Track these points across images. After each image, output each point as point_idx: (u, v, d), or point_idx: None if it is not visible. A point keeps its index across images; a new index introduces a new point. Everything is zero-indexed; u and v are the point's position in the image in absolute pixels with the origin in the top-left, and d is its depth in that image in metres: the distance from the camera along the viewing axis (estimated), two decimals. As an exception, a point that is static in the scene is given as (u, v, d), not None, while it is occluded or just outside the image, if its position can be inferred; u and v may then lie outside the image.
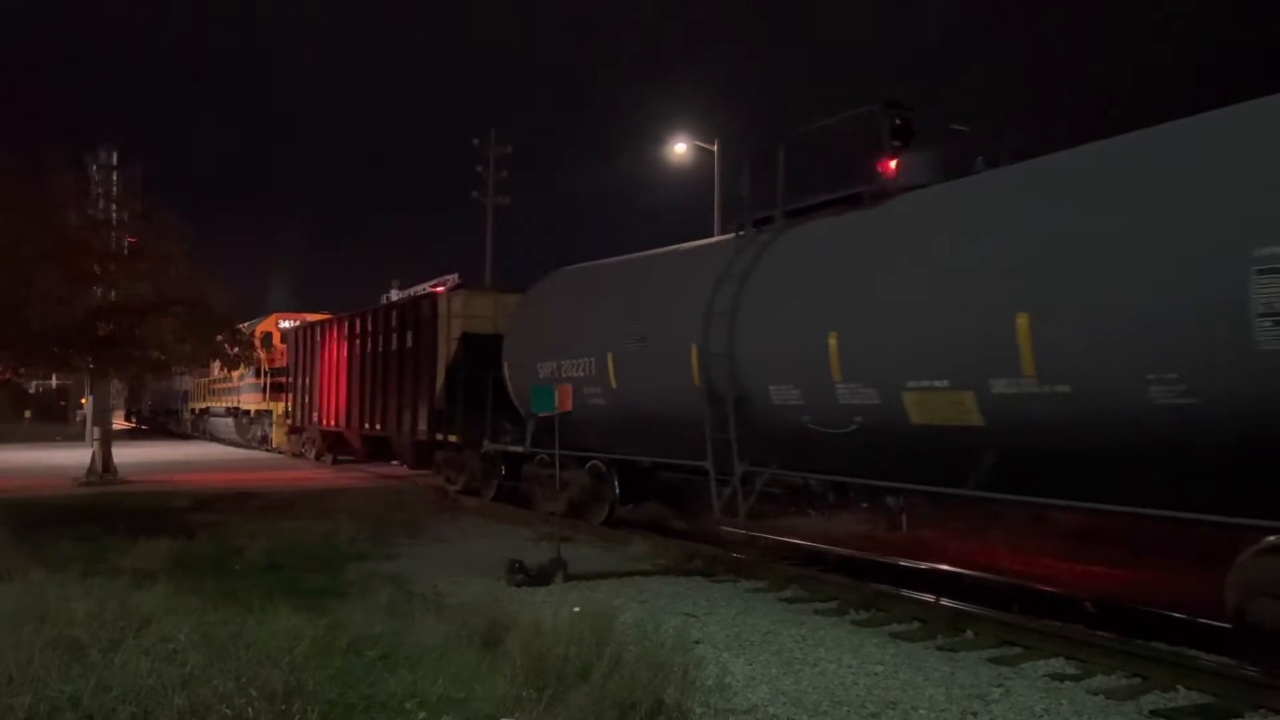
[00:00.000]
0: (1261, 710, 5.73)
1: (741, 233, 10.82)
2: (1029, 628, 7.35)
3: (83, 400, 42.22)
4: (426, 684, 5.64)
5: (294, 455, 28.49)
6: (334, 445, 25.51)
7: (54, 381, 58.50)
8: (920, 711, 5.72)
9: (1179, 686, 6.15)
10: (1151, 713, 5.76)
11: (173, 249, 19.86)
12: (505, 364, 15.00)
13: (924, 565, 9.95)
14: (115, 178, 21.42)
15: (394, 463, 22.22)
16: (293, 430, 28.45)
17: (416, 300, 20.08)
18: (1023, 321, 6.90)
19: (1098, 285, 6.54)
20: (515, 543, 11.81)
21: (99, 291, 19.86)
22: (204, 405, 40.27)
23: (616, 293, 12.76)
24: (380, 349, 20.45)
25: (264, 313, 34.08)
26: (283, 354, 29.25)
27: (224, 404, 36.88)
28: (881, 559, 10.34)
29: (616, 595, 8.69)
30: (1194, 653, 6.76)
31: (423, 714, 5.24)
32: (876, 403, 8.24)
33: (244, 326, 24.99)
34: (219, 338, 21.54)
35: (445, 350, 17.51)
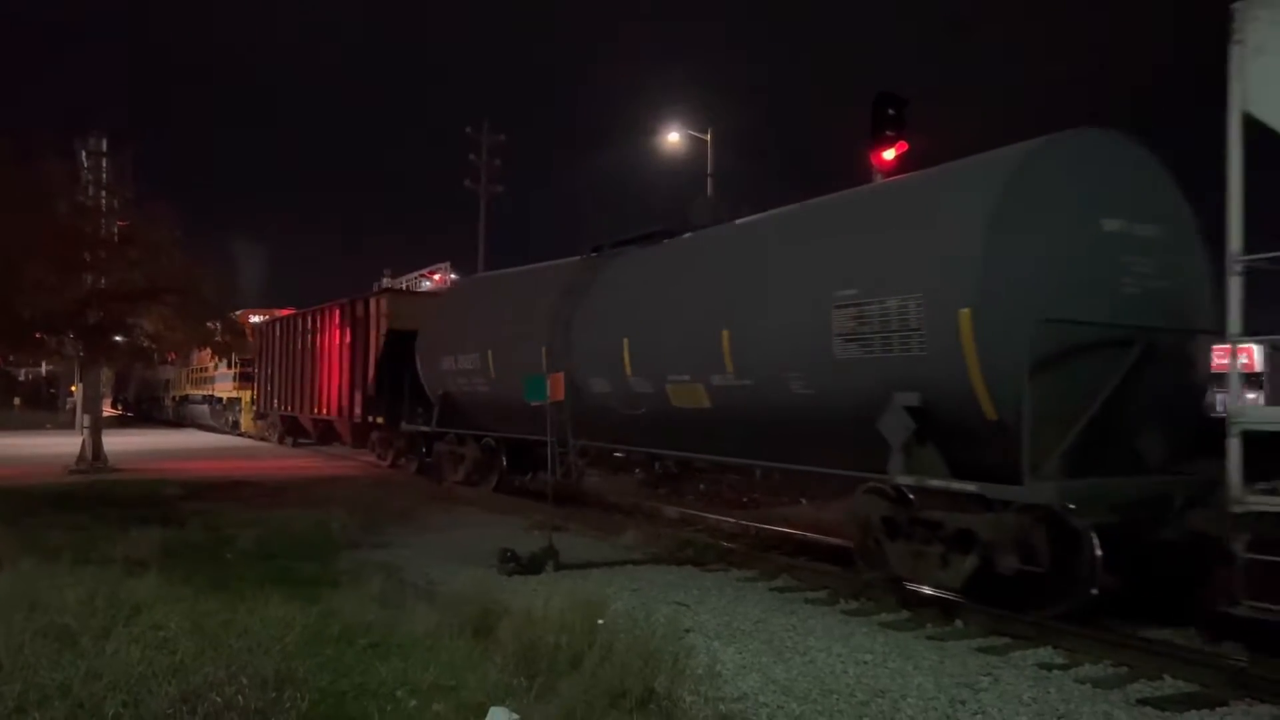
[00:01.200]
0: (1247, 699, 5.78)
1: (583, 257, 13.86)
2: (1018, 618, 7.40)
3: (72, 388, 42.54)
4: (418, 672, 5.65)
5: (260, 439, 31.03)
6: (292, 429, 28.24)
7: (43, 369, 58.34)
8: (909, 700, 5.76)
9: (1165, 675, 6.21)
10: (1139, 701, 5.81)
11: (163, 236, 19.76)
12: (418, 357, 17.71)
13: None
14: (105, 164, 21.24)
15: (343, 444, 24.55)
16: (259, 416, 31.36)
17: (353, 301, 22.45)
18: (725, 336, 9.92)
19: (762, 314, 9.59)
20: (507, 531, 11.83)
21: (89, 279, 19.76)
22: (184, 393, 42.82)
23: (495, 301, 15.95)
24: (325, 343, 23.61)
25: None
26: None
27: (201, 392, 39.94)
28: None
29: (608, 584, 8.71)
30: (1180, 643, 6.82)
31: (414, 702, 5.26)
32: (651, 391, 11.24)
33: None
34: (210, 325, 21.50)
35: (375, 345, 20.41)
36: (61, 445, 24.65)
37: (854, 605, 8.31)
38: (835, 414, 8.61)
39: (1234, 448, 6.01)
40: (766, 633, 7.26)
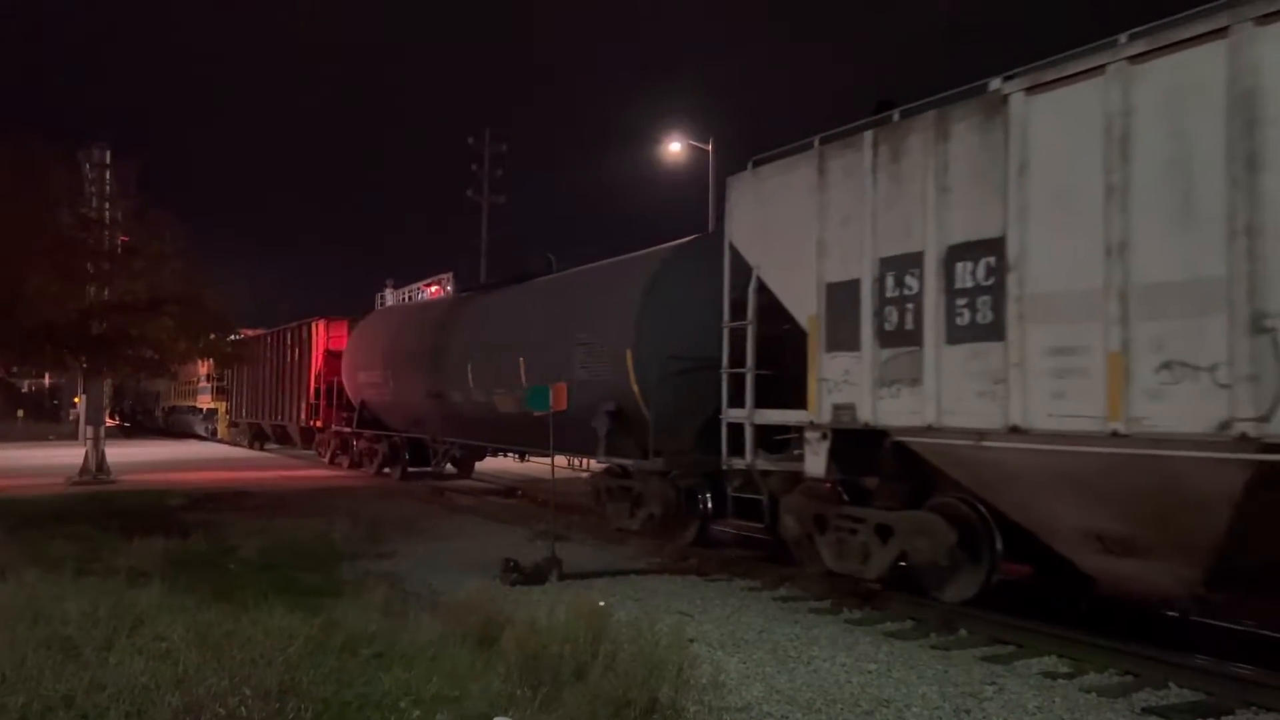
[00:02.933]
0: (1253, 707, 5.77)
1: (455, 296, 19.29)
2: (1022, 626, 7.38)
3: (75, 399, 43.08)
4: (421, 682, 5.63)
5: (233, 444, 35.09)
6: (258, 434, 32.78)
7: (46, 380, 58.41)
8: (914, 709, 5.74)
9: (1171, 684, 6.19)
10: (1144, 710, 5.80)
11: (166, 247, 19.78)
12: (343, 371, 22.80)
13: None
14: (109, 176, 21.26)
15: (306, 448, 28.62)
16: (232, 424, 35.86)
17: (299, 325, 27.27)
18: (521, 361, 13.83)
19: (541, 347, 13.61)
20: (510, 540, 11.83)
21: (92, 290, 19.77)
22: (173, 404, 46.37)
23: (394, 329, 20.48)
24: (280, 361, 28.42)
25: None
26: None
27: (188, 403, 43.51)
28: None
29: (611, 594, 8.69)
30: (1188, 652, 6.79)
31: (417, 712, 5.24)
32: (485, 401, 14.77)
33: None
34: (213, 336, 21.52)
35: (316, 362, 25.60)
36: (64, 456, 24.67)
37: (858, 615, 8.30)
38: (578, 415, 11.55)
39: (724, 431, 9.80)
40: (770, 642, 7.24)
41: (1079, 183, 6.59)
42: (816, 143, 8.89)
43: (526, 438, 14.49)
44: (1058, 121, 6.82)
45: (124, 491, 17.73)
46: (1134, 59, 6.30)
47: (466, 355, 15.77)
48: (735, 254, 9.92)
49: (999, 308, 7.04)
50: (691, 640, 7.05)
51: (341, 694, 5.50)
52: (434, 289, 28.50)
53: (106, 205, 20.70)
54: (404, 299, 29.27)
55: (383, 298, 30.59)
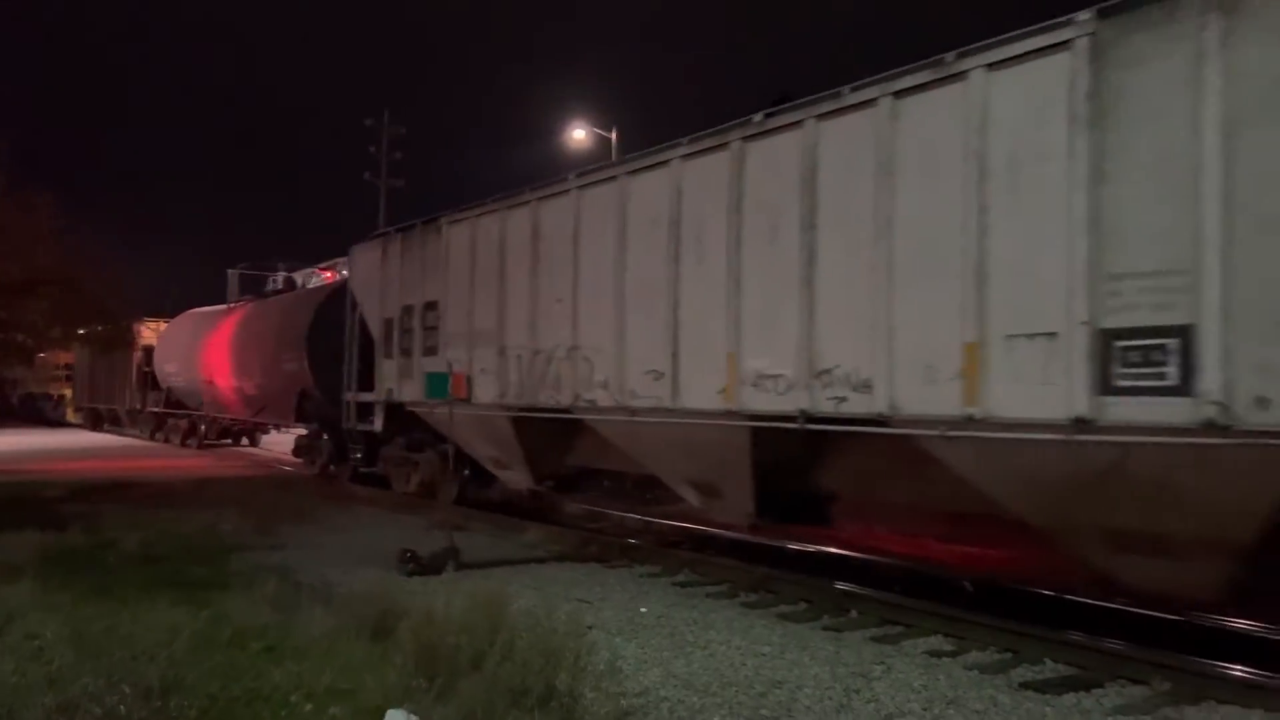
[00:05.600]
0: (1120, 680, 6.09)
1: (229, 305, 26.30)
2: (910, 607, 7.64)
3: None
4: (314, 675, 5.52)
5: (79, 426, 38.98)
6: (95, 418, 37.20)
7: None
8: (806, 690, 5.89)
9: (1046, 660, 6.50)
10: (1021, 685, 6.06)
11: (41, 227, 18.75)
12: (154, 363, 28.77)
13: (811, 548, 10.21)
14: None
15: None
16: (77, 409, 40.58)
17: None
18: (257, 356, 20.38)
19: (267, 348, 19.98)
20: (408, 532, 11.64)
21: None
22: (29, 391, 48.15)
23: (188, 329, 26.46)
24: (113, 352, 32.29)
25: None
26: None
27: (47, 390, 46.81)
28: (770, 542, 10.57)
29: (510, 583, 8.60)
30: (1063, 629, 7.12)
31: (309, 706, 5.13)
32: (238, 385, 21.67)
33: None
34: (92, 322, 20.52)
35: (138, 355, 30.12)
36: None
37: (754, 598, 8.45)
38: (284, 396, 18.73)
39: (345, 407, 15.80)
40: (668, 627, 7.32)
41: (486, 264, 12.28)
42: (394, 231, 14.82)
43: (261, 413, 21.52)
44: (463, 237, 12.78)
45: (-5, 483, 16.81)
46: (686, 157, 9.33)
47: (227, 351, 22.12)
48: (351, 296, 15.78)
49: (437, 337, 13.13)
50: (590, 627, 7.07)
51: (229, 689, 5.35)
52: (329, 273, 27.84)
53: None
54: (305, 284, 28.50)
55: (275, 281, 29.72)
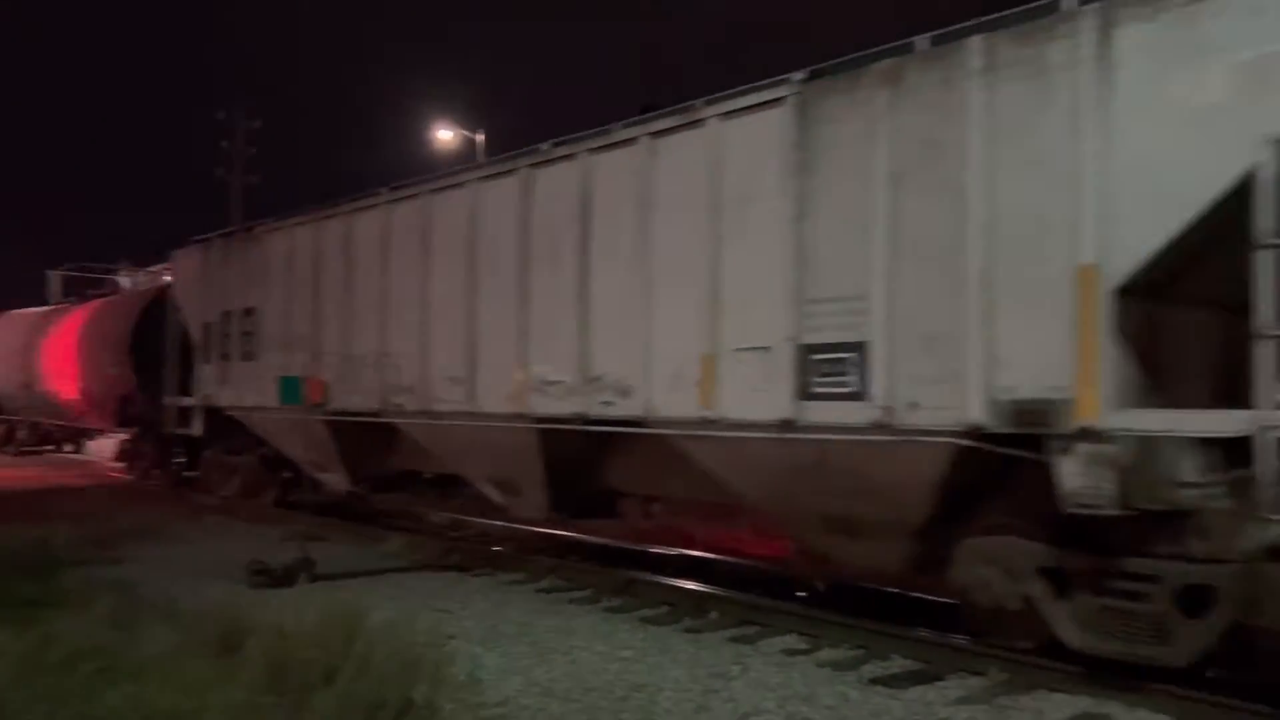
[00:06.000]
0: (962, 672, 6.41)
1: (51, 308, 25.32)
2: (767, 607, 7.85)
3: None
4: (154, 696, 5.24)
5: None
6: None
7: None
8: (665, 692, 5.96)
9: (894, 655, 6.77)
10: (871, 680, 6.29)
11: None
12: None
13: (674, 551, 10.34)
14: None
15: None
16: None
17: None
18: (79, 360, 20.07)
19: (91, 352, 19.52)
20: (260, 543, 11.18)
21: None
22: None
23: (8, 330, 25.29)
24: None
25: None
26: None
27: None
28: (632, 546, 10.67)
29: (369, 593, 8.38)
30: (910, 625, 7.44)
31: (148, 729, 4.87)
32: (53, 390, 21.25)
33: None
34: None
35: None
36: None
37: (617, 603, 8.50)
38: (107, 400, 18.37)
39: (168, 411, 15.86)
40: (531, 635, 7.29)
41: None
42: (215, 237, 14.77)
43: (84, 417, 21.08)
44: (282, 245, 13.14)
45: None
46: (482, 179, 10.14)
47: (50, 353, 21.67)
48: (174, 299, 15.75)
49: (255, 343, 13.36)
50: (451, 637, 6.97)
51: (57, 714, 5.02)
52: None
53: None
54: (147, 284, 27.04)
55: (107, 281, 28.14)
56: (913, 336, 6.45)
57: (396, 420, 11.03)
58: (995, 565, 6.45)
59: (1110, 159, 5.65)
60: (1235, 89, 5.26)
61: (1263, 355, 5.19)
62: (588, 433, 8.80)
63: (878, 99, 6.71)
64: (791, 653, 6.95)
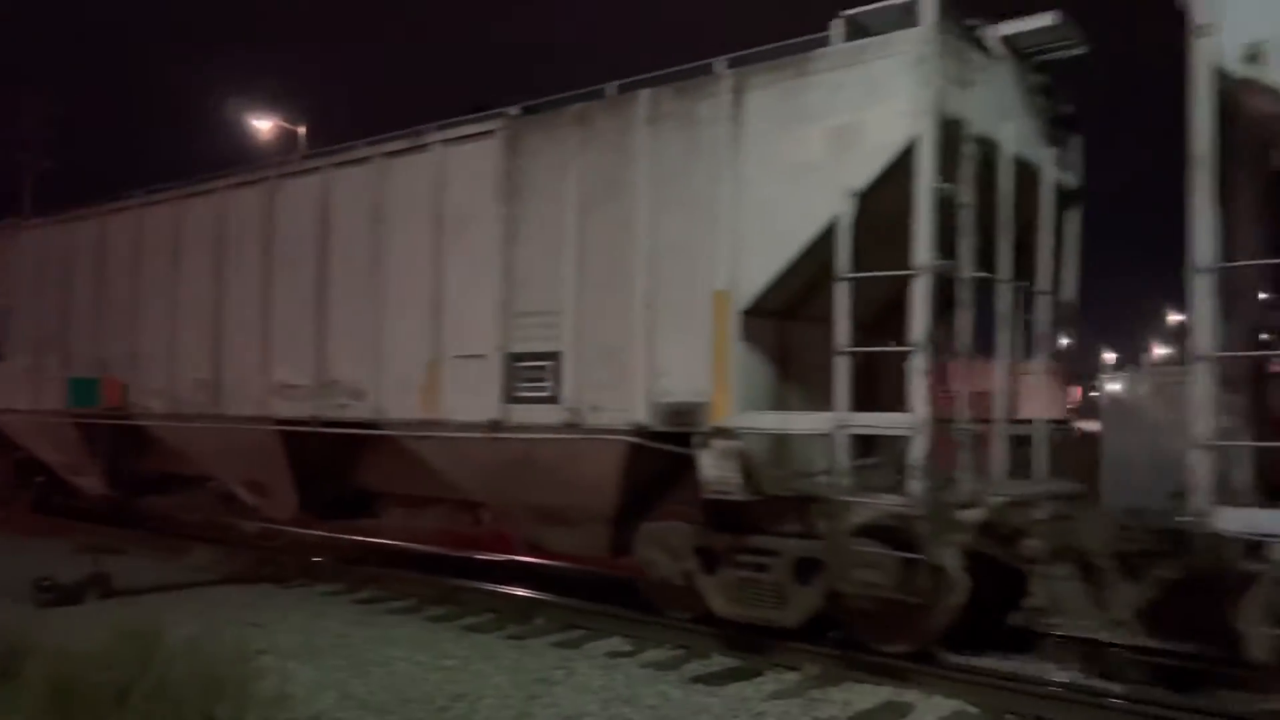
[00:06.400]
0: (778, 668, 6.64)
1: None
2: (592, 610, 7.88)
3: None
4: (-88, 731, 4.73)
5: None
6: None
7: None
8: (488, 700, 5.88)
9: (714, 654, 6.95)
10: (692, 679, 6.43)
11: None
12: None
13: (500, 557, 10.24)
14: None
15: None
16: None
17: None
18: None
19: None
20: (48, 557, 10.30)
21: None
22: None
23: None
24: None
25: None
26: None
27: None
28: (455, 553, 10.50)
29: (172, 609, 7.87)
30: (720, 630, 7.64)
31: (-97, 767, 4.39)
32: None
33: None
34: None
35: None
36: None
37: (440, 611, 8.33)
38: None
39: None
40: (347, 648, 7.03)
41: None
42: None
43: None
44: (36, 244, 12.93)
45: None
46: (231, 187, 10.33)
47: None
48: None
49: (7, 342, 13.14)
50: (261, 652, 6.60)
51: None
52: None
53: None
54: None
55: None
56: (596, 348, 7.40)
57: (147, 422, 11.02)
58: (662, 546, 7.32)
59: (740, 202, 6.72)
60: (826, 150, 6.39)
61: (840, 368, 6.32)
62: (333, 435, 9.14)
63: (571, 138, 7.62)
64: (616, 655, 7.00)
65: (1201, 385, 5.28)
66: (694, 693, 6.14)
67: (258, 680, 5.40)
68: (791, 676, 6.48)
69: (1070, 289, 7.64)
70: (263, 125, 25.79)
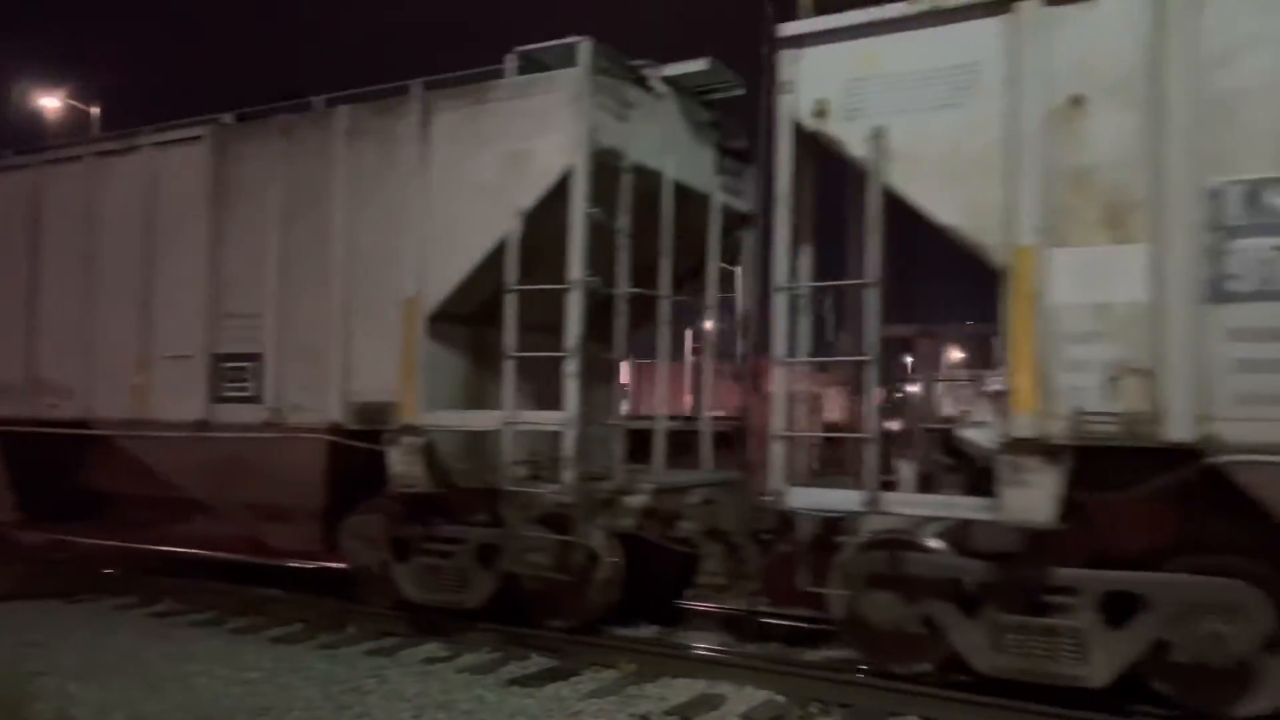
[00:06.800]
0: (595, 666, 6.70)
1: None
2: (405, 618, 7.69)
3: None
4: None
5: None
6: None
7: None
8: (294, 713, 5.66)
9: (531, 655, 6.93)
10: (509, 681, 6.39)
11: None
12: None
13: (312, 565, 9.85)
14: None
15: None
16: None
17: None
18: None
19: None
20: None
21: None
22: None
23: None
24: None
25: None
26: None
27: None
28: (263, 561, 10.04)
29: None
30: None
31: None
32: None
33: None
34: None
35: None
36: None
37: (244, 623, 7.94)
38: None
39: None
40: (138, 664, 6.60)
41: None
42: None
43: None
44: None
45: None
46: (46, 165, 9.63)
47: None
48: None
49: None
50: (39, 673, 6.14)
51: None
52: None
53: None
54: None
55: None
56: (297, 349, 7.81)
57: None
58: (361, 538, 7.81)
59: (429, 216, 7.28)
60: (500, 172, 7.02)
61: (507, 370, 6.91)
62: (59, 435, 9.12)
63: (276, 147, 8.00)
64: (431, 661, 6.87)
65: (778, 385, 6.12)
66: (510, 695, 6.11)
67: (33, 703, 5.02)
68: (609, 674, 6.55)
69: (745, 300, 8.48)
70: (52, 104, 23.82)
